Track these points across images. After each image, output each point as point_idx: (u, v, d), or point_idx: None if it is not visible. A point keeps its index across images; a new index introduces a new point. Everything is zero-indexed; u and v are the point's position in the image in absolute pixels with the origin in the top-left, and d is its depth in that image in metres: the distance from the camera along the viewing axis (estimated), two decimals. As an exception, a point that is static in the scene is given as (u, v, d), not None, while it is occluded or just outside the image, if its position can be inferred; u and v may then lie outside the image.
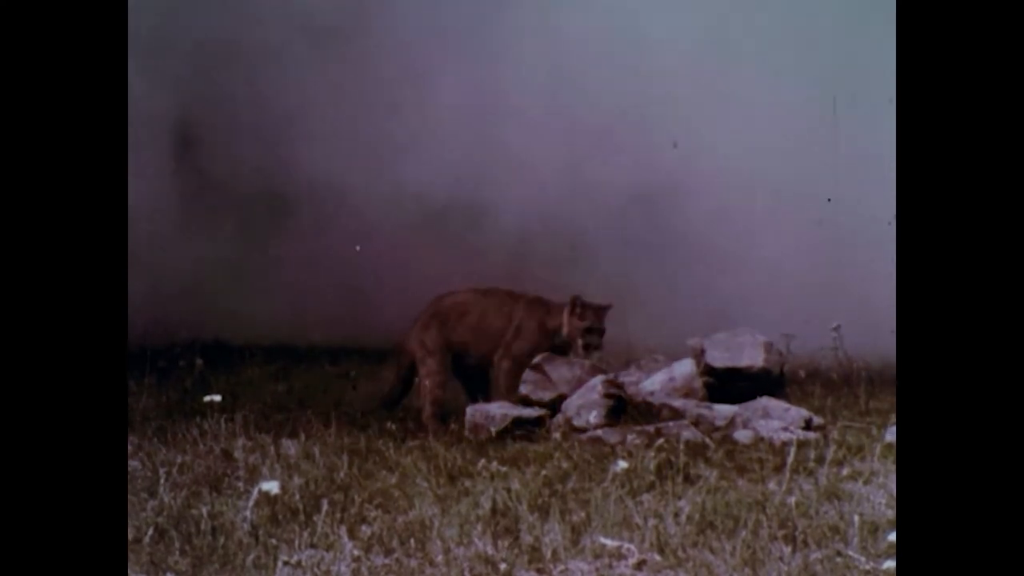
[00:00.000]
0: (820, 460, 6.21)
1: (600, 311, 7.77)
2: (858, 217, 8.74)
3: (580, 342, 7.70)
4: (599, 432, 6.95)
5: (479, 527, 5.15)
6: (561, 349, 7.80)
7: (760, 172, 9.44)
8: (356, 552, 4.84)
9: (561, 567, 4.78)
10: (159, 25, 10.03)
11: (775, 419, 7.19)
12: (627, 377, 7.60)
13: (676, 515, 5.25)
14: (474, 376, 8.01)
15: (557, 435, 7.00)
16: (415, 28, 10.49)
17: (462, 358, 8.02)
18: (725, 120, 9.51)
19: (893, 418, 7.18)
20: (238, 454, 6.40)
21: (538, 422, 7.21)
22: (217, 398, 6.80)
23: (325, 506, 5.21)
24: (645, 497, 5.57)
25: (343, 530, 5.03)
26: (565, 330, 7.76)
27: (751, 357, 7.75)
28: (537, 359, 7.58)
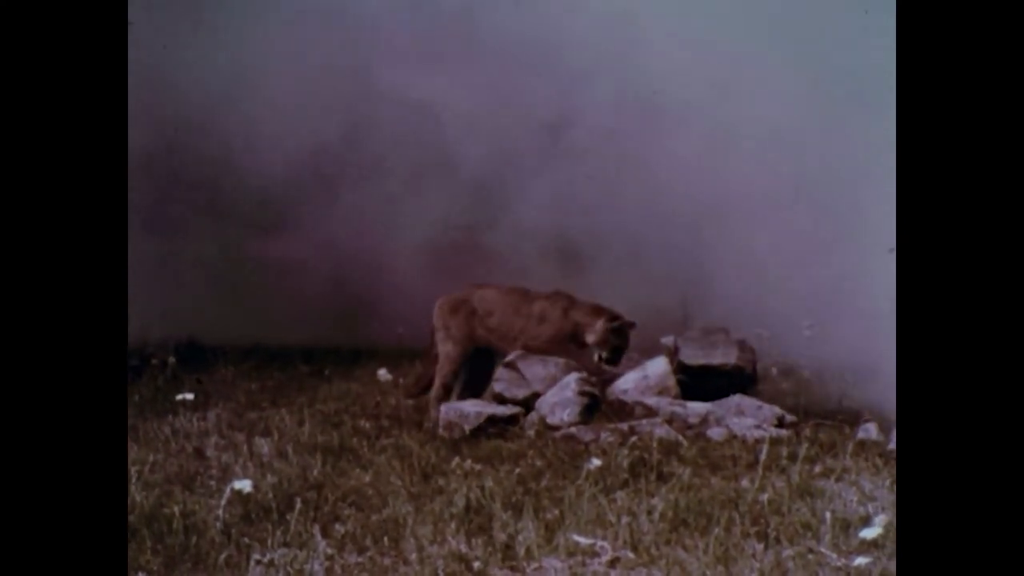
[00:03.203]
0: (793, 457, 6.24)
1: (630, 329, 7.73)
2: (856, 217, 8.70)
3: (604, 354, 7.64)
4: (573, 430, 6.95)
5: (453, 525, 5.15)
6: (575, 342, 7.78)
7: (758, 171, 9.42)
8: (329, 550, 4.83)
9: (535, 565, 4.78)
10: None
11: (748, 417, 7.22)
12: (601, 375, 7.61)
13: (649, 513, 5.26)
14: (483, 372, 7.92)
15: (531, 433, 7.00)
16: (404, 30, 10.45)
17: (483, 353, 7.97)
18: (723, 119, 9.50)
19: (866, 415, 7.24)
20: (210, 452, 6.38)
21: (512, 420, 7.20)
22: (190, 396, 6.77)
23: (298, 504, 5.19)
24: (619, 495, 5.58)
25: (317, 528, 5.02)
26: (594, 338, 7.68)
27: (724, 355, 7.79)
28: (510, 357, 7.58)
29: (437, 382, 7.83)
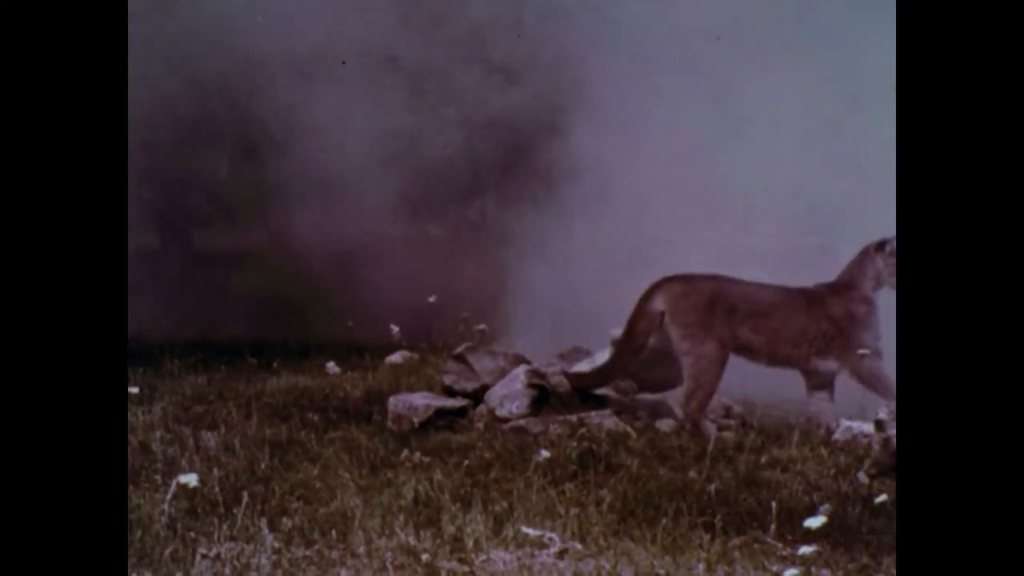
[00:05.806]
0: (740, 448, 6.29)
1: None
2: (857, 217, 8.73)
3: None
4: (522, 422, 6.96)
5: (401, 518, 5.14)
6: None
7: (758, 172, 9.46)
8: (277, 544, 4.79)
9: (483, 557, 4.78)
10: None
11: (696, 408, 7.25)
12: (550, 367, 7.62)
13: (598, 504, 5.28)
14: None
15: (480, 425, 7.00)
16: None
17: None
18: (722, 118, 9.53)
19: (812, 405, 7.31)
20: (156, 446, 6.31)
21: (461, 412, 7.19)
22: (134, 390, 6.68)
23: (245, 498, 5.15)
24: (567, 486, 5.59)
25: (264, 522, 4.98)
26: (884, 277, 6.29)
27: (673, 346, 7.80)
28: (459, 349, 7.56)
29: (700, 392, 6.81)
